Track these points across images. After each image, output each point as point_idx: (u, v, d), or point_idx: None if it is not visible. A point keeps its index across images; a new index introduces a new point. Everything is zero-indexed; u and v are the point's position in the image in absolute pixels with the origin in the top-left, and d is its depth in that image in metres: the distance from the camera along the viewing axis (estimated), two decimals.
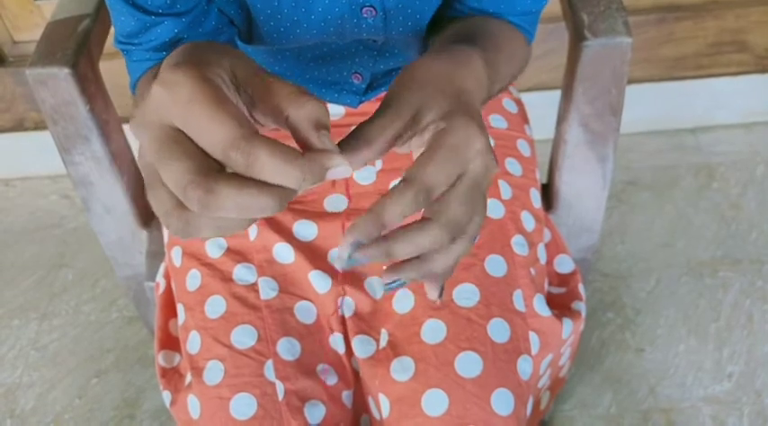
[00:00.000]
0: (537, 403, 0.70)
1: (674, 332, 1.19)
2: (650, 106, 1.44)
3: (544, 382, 0.67)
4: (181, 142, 0.31)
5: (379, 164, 0.71)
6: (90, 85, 0.75)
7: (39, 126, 1.40)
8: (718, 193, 1.39)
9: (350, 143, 0.38)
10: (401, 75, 0.42)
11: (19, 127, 1.41)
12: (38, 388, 1.17)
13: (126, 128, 0.84)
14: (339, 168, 0.32)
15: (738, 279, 1.25)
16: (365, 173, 0.70)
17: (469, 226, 0.38)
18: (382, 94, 0.70)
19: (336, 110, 0.71)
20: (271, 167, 0.30)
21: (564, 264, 0.75)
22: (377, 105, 0.72)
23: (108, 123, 0.79)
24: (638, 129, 1.47)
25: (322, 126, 0.33)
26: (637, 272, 1.27)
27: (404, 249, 0.36)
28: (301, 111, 0.33)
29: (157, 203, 0.32)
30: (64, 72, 0.71)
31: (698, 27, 1.36)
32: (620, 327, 1.20)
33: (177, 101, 0.31)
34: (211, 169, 0.30)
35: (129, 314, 1.25)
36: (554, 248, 0.75)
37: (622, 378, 1.14)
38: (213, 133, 0.30)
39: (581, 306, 0.71)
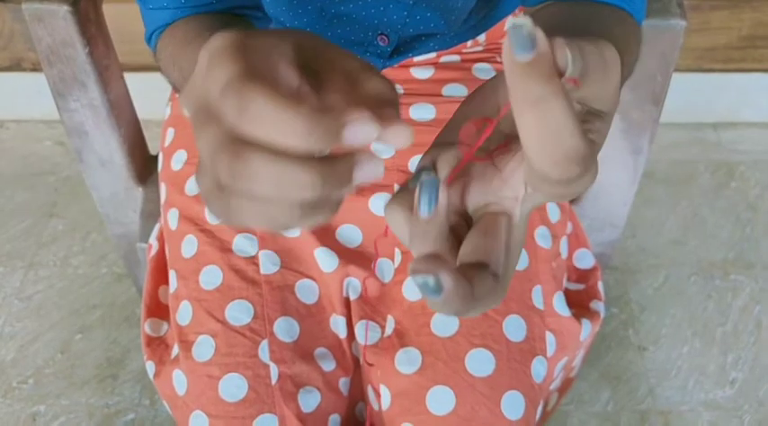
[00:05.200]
0: (545, 405, 0.66)
1: (678, 333, 1.16)
2: (673, 96, 1.37)
3: (556, 385, 0.63)
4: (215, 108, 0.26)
5: None
6: (91, 26, 0.70)
7: (37, 67, 1.35)
8: (736, 193, 1.34)
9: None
10: None
11: (16, 67, 1.37)
12: (20, 340, 1.14)
13: (127, 76, 0.80)
14: (360, 125, 0.25)
15: (749, 284, 1.21)
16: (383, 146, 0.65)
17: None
18: (409, 61, 0.65)
19: None
20: (267, 112, 0.24)
21: (584, 259, 0.70)
22: (402, 72, 0.68)
23: (108, 69, 0.74)
24: None
25: (387, 103, 0.27)
26: (645, 268, 1.23)
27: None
28: (364, 89, 0.28)
29: (201, 183, 0.28)
30: (63, 9, 0.66)
31: (733, 18, 1.30)
32: (624, 323, 1.17)
33: (217, 69, 0.26)
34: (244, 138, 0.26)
35: (118, 270, 1.21)
36: (575, 241, 0.70)
37: (622, 376, 1.11)
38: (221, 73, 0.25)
39: (600, 306, 0.66)
